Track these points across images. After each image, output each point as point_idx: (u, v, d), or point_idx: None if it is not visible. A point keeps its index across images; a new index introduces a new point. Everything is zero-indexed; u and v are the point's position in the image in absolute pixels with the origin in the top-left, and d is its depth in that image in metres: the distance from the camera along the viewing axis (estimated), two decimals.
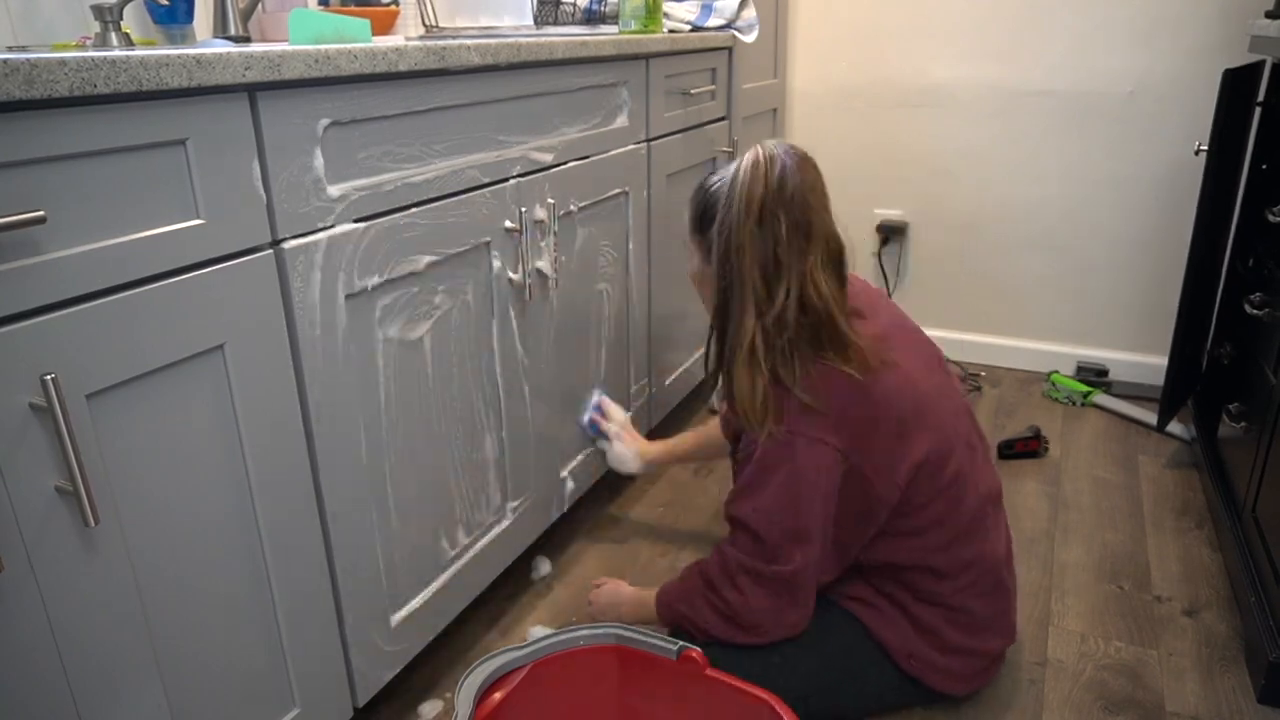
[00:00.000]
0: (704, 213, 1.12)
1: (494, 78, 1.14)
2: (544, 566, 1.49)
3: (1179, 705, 1.20)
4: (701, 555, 1.52)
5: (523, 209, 1.21)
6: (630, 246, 1.57)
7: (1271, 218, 1.48)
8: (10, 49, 1.20)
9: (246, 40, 1.49)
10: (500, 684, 1.03)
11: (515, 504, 1.34)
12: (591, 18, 1.78)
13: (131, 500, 0.76)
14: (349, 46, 0.89)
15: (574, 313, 1.42)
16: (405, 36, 1.81)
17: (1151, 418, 1.94)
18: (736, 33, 1.85)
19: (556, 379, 1.40)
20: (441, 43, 1.02)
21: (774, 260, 1.03)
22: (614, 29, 1.67)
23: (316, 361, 0.92)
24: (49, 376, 0.65)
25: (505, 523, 1.32)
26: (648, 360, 1.71)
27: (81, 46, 1.26)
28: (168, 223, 0.75)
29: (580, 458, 1.52)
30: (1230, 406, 1.55)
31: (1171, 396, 1.79)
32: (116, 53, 0.68)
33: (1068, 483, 1.77)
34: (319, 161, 0.90)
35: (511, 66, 1.16)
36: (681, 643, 1.05)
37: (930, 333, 2.52)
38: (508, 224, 1.20)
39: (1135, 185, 2.07)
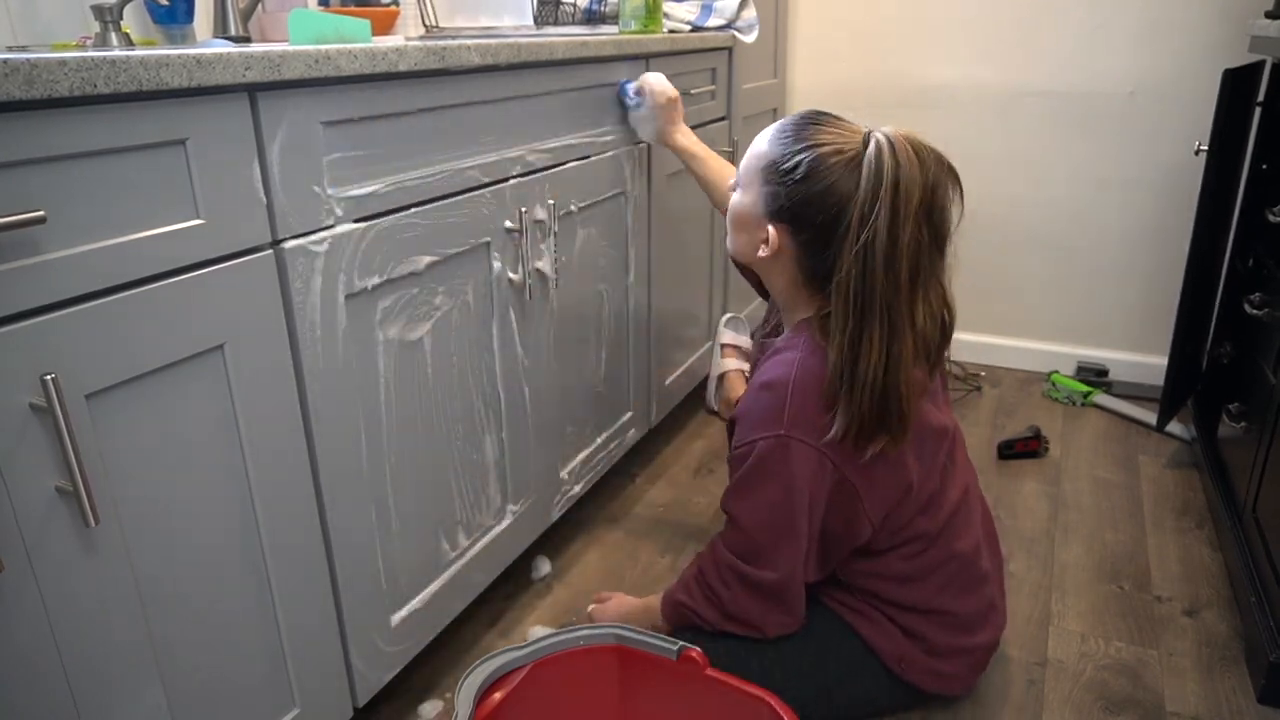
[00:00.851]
0: (812, 195, 0.99)
1: (494, 78, 1.14)
2: (544, 566, 1.49)
3: (1179, 705, 1.20)
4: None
5: (523, 209, 1.21)
6: (630, 247, 1.57)
7: (1271, 218, 1.48)
8: (10, 49, 1.20)
9: (246, 40, 1.50)
10: (500, 684, 1.03)
11: (515, 504, 1.34)
12: (591, 18, 1.78)
13: (131, 500, 0.76)
14: (349, 46, 0.89)
15: (574, 313, 1.42)
16: (405, 36, 1.81)
17: (1151, 418, 1.94)
18: (736, 33, 1.85)
19: (556, 379, 1.40)
20: (441, 43, 1.02)
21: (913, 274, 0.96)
22: (614, 29, 1.67)
23: (316, 362, 0.92)
24: (49, 376, 0.65)
25: (505, 523, 1.32)
26: (648, 360, 1.71)
27: (81, 46, 1.26)
28: (168, 223, 0.75)
29: (580, 458, 1.52)
30: (1230, 406, 1.55)
31: (1171, 396, 1.79)
32: (116, 53, 0.68)
33: (1068, 483, 1.77)
34: (319, 161, 0.90)
35: (511, 66, 1.16)
36: (681, 643, 1.05)
37: None
38: (508, 224, 1.20)
39: (1135, 185, 2.07)
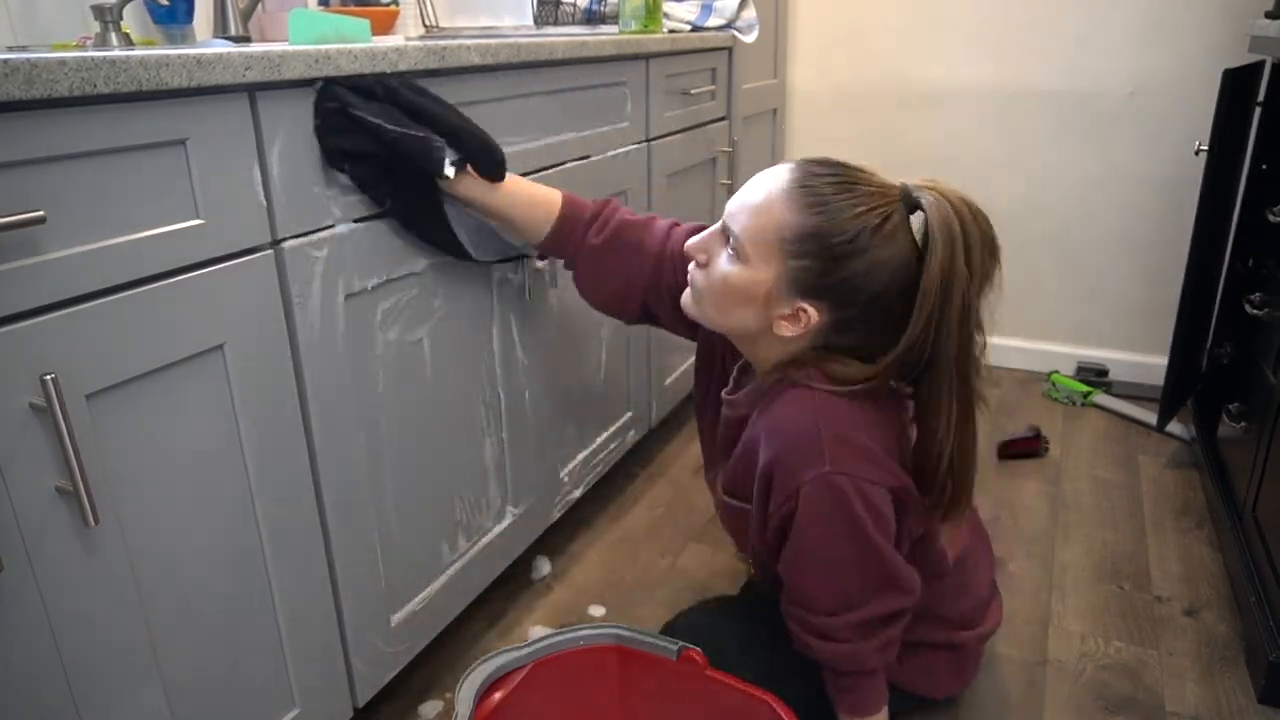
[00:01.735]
0: (866, 269, 0.90)
1: (494, 78, 1.14)
2: (544, 567, 1.49)
3: (1179, 705, 1.20)
4: (701, 555, 1.53)
5: None
6: None
7: (1271, 218, 1.48)
8: (10, 49, 1.20)
9: (246, 40, 1.49)
10: (500, 684, 1.03)
11: (515, 504, 1.34)
12: (591, 18, 1.78)
13: (131, 500, 0.76)
14: (349, 46, 0.89)
15: (574, 314, 1.42)
16: (405, 36, 1.81)
17: (1151, 418, 1.94)
18: (736, 33, 1.85)
19: (556, 380, 1.40)
20: (441, 43, 1.02)
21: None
22: (614, 29, 1.67)
23: (316, 362, 0.92)
24: (49, 376, 0.65)
25: (505, 523, 1.32)
26: (647, 360, 1.71)
27: (81, 46, 1.26)
28: (168, 223, 0.75)
29: (580, 458, 1.52)
30: (1230, 406, 1.55)
31: (1171, 396, 1.79)
32: (116, 53, 0.68)
33: (1068, 483, 1.77)
34: (319, 161, 0.90)
35: (511, 66, 1.16)
36: (681, 643, 1.05)
37: None
38: None
39: (1135, 185, 2.07)
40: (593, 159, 1.40)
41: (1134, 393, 2.13)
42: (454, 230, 1.06)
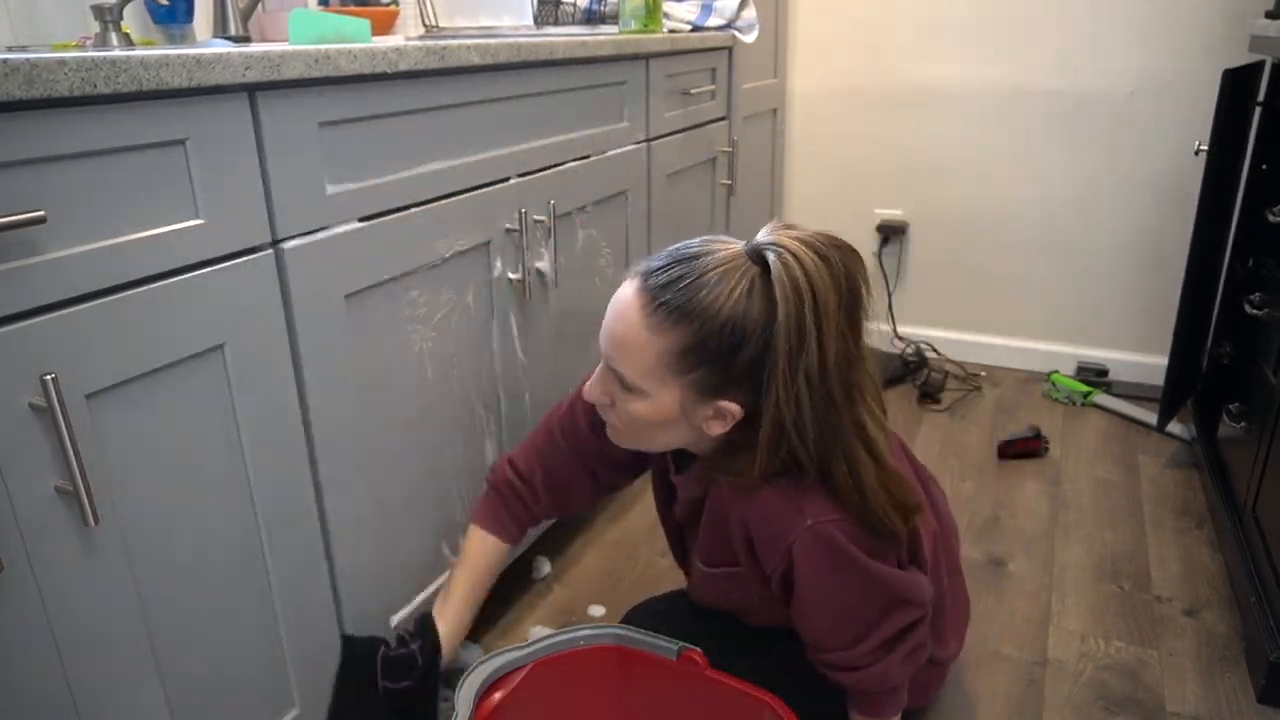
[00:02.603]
0: (728, 344, 0.86)
1: (494, 78, 1.14)
2: (544, 566, 1.49)
3: (1179, 705, 1.20)
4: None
5: (523, 209, 1.21)
6: (630, 247, 1.57)
7: (1271, 218, 1.48)
8: (10, 49, 1.20)
9: (246, 40, 1.49)
10: (500, 684, 1.03)
11: None
12: (591, 18, 1.78)
13: (131, 500, 0.76)
14: (349, 46, 0.89)
15: (574, 314, 1.42)
16: (405, 36, 1.81)
17: (1151, 418, 1.94)
18: (736, 33, 1.85)
19: (556, 380, 1.40)
20: (441, 43, 1.02)
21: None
22: (614, 29, 1.67)
23: (316, 362, 0.92)
24: (49, 376, 0.65)
25: None
26: None
27: (81, 46, 1.26)
28: (168, 223, 0.75)
29: None
30: (1230, 406, 1.55)
31: (1171, 396, 1.79)
32: (116, 53, 0.68)
33: (1068, 483, 1.77)
34: (319, 161, 0.90)
35: (511, 66, 1.16)
36: (681, 643, 1.05)
37: (930, 333, 2.52)
38: (508, 224, 1.20)
39: (1135, 185, 2.07)
40: (592, 159, 1.40)
41: (1134, 393, 2.13)
42: None
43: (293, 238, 0.88)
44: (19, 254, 0.65)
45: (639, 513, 1.68)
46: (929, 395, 2.13)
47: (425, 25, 1.97)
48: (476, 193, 1.14)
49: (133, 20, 1.39)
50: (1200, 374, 1.93)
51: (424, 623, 1.10)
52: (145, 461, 0.77)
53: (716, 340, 0.86)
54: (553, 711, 1.07)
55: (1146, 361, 2.15)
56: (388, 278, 1.01)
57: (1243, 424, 1.50)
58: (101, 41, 1.26)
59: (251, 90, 0.81)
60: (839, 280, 0.85)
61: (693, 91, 1.72)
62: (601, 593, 1.44)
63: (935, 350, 2.32)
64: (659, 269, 0.89)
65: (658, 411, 0.91)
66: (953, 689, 1.22)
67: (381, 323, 1.02)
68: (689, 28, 1.78)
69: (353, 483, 1.00)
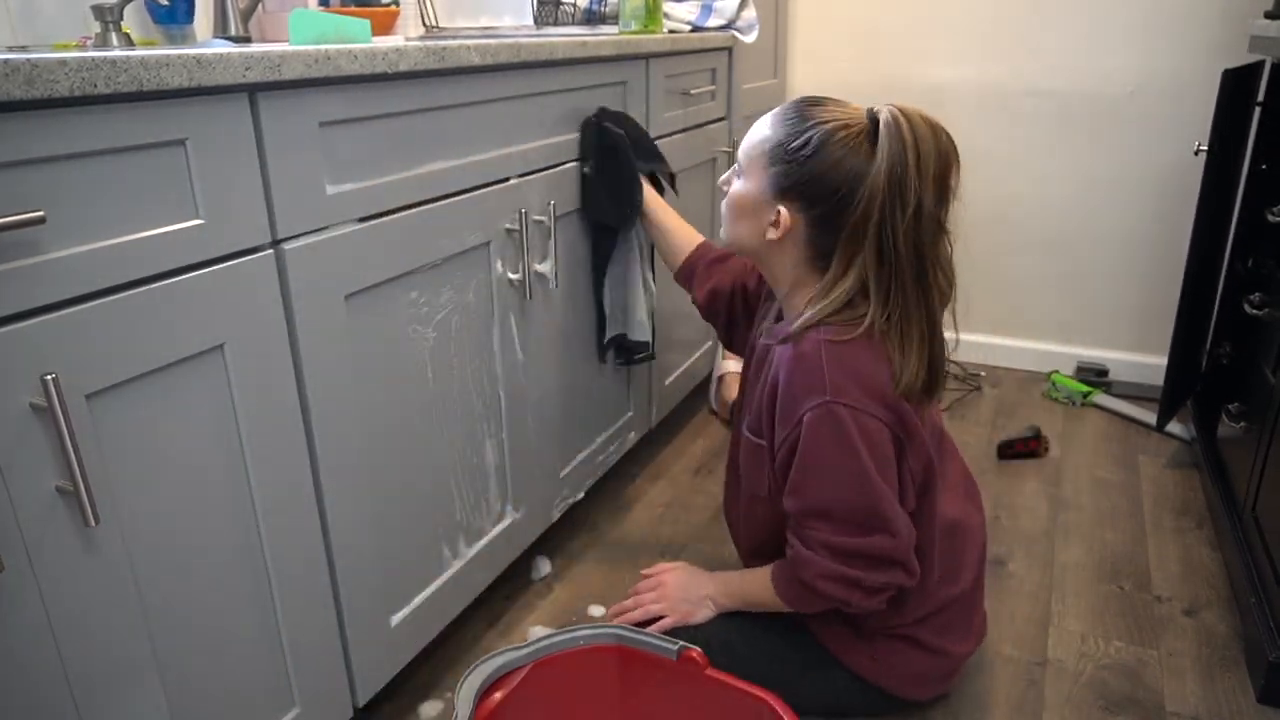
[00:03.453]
0: (825, 168, 1.00)
1: (494, 78, 1.14)
2: (544, 566, 1.49)
3: (1179, 705, 1.20)
4: (701, 555, 1.53)
5: (523, 209, 1.21)
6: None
7: (1271, 218, 1.48)
8: (10, 49, 1.20)
9: (246, 40, 1.50)
10: (500, 684, 1.03)
11: (515, 505, 1.34)
12: (591, 18, 1.78)
13: (131, 500, 0.76)
14: (349, 46, 0.89)
15: (574, 314, 1.42)
16: (405, 36, 1.81)
17: (1151, 418, 1.95)
18: (736, 33, 1.85)
19: (556, 380, 1.40)
20: (441, 43, 1.02)
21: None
22: (614, 29, 1.67)
23: (316, 362, 0.92)
24: (49, 376, 0.65)
25: (505, 523, 1.32)
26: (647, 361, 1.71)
27: (81, 46, 1.26)
28: (168, 223, 0.75)
29: (580, 459, 1.52)
30: (1230, 406, 1.55)
31: (1171, 396, 1.79)
32: (116, 53, 0.68)
33: (1068, 483, 1.77)
34: (319, 161, 0.90)
35: (511, 67, 1.16)
36: (681, 643, 1.05)
37: None
38: (508, 225, 1.20)
39: (1135, 185, 2.07)
40: None
41: (1134, 393, 2.13)
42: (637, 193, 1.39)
43: (293, 238, 0.88)
44: (19, 254, 0.65)
45: (639, 513, 1.68)
46: None
47: (425, 25, 1.97)
48: (476, 193, 1.14)
49: (133, 20, 1.39)
50: (1200, 374, 1.93)
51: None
52: (145, 461, 0.77)
53: (795, 145, 1.01)
54: (552, 711, 1.07)
55: (1146, 361, 2.15)
56: (388, 278, 1.01)
57: (1242, 424, 1.50)
58: (102, 42, 1.26)
59: (252, 90, 0.81)
60: (943, 149, 0.98)
61: (693, 92, 1.72)
62: (601, 593, 1.44)
63: None
64: (813, 96, 1.07)
65: (743, 195, 1.08)
66: (952, 688, 1.22)
67: (382, 323, 1.02)
68: (689, 28, 1.78)
69: (353, 482, 1.00)
